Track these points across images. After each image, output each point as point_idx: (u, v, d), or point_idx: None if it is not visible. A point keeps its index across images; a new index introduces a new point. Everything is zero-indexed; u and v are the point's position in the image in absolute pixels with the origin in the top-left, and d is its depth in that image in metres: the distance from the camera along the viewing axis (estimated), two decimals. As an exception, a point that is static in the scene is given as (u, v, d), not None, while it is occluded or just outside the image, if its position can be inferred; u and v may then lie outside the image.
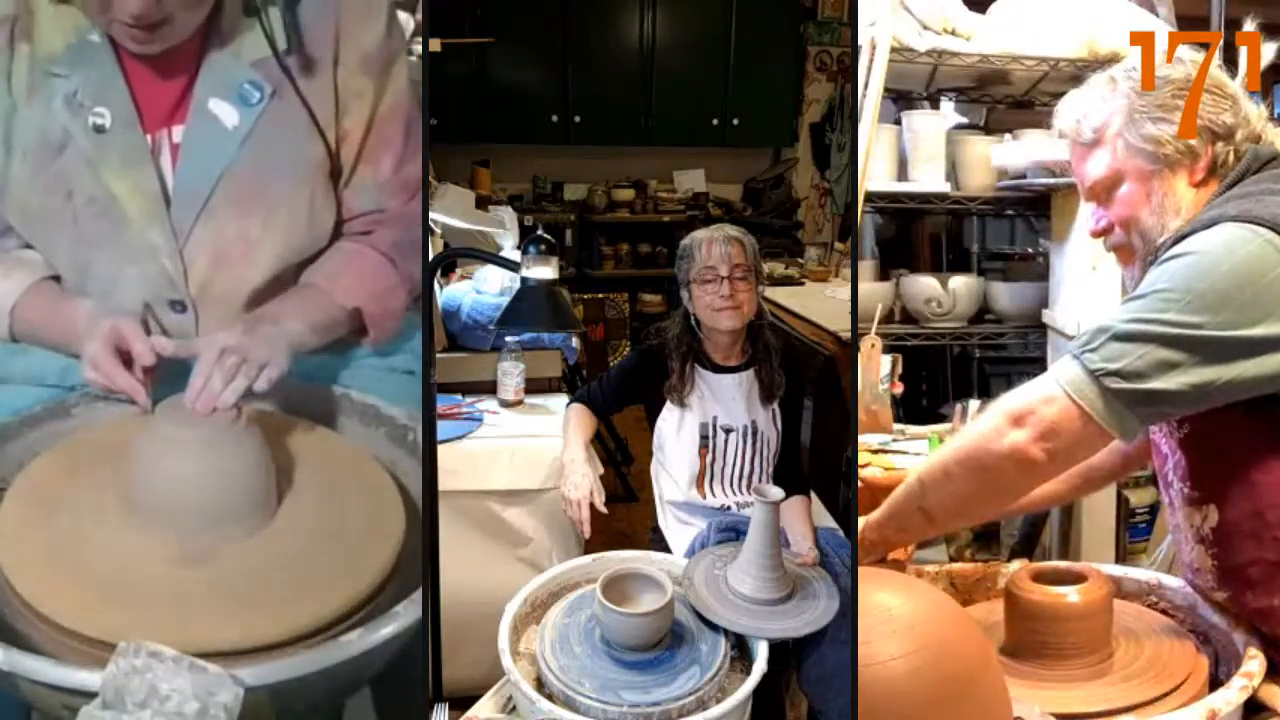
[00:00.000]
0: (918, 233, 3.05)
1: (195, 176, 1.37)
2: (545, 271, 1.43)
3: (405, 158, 1.49)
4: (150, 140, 1.37)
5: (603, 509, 1.72)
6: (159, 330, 1.39)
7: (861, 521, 1.29)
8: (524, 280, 1.43)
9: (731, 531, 1.72)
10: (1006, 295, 2.61)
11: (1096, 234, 1.31)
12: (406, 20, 1.88)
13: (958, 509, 1.24)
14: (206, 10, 1.31)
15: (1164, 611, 1.32)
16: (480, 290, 2.60)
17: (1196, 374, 1.07)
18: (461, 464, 2.16)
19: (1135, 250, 1.27)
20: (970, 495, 1.20)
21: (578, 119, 5.59)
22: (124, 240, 1.37)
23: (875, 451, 2.03)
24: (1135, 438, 1.16)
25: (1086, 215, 1.34)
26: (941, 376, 3.18)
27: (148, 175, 1.36)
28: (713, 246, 1.84)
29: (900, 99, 2.62)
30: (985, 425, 1.15)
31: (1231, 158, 1.23)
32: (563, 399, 2.38)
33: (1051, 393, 1.11)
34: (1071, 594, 1.20)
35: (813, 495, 1.95)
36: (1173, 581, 1.34)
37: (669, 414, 1.89)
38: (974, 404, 2.29)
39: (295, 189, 1.42)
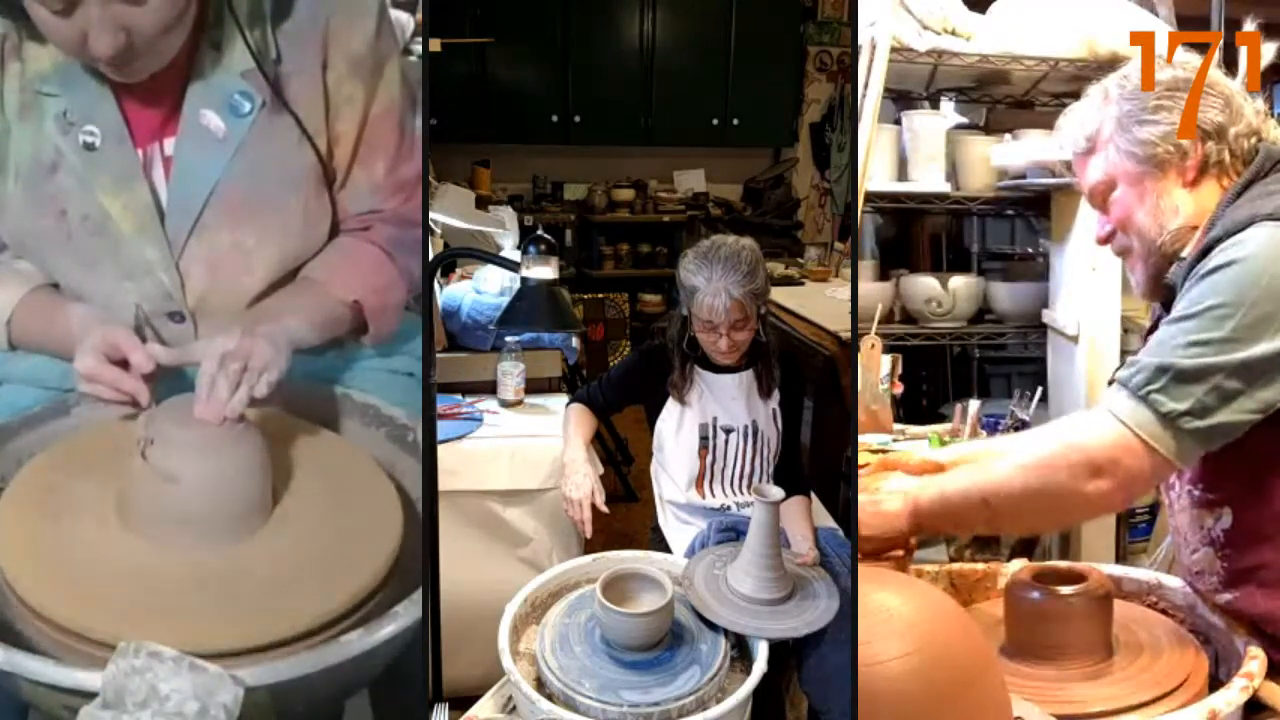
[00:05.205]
0: (918, 233, 3.04)
1: (188, 189, 1.36)
2: (545, 271, 1.43)
3: (400, 159, 1.49)
4: (142, 155, 1.36)
5: (604, 509, 1.72)
6: (158, 342, 1.39)
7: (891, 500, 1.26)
8: (524, 280, 1.43)
9: (731, 531, 1.72)
10: (1006, 295, 2.61)
11: (1102, 241, 1.34)
12: (406, 20, 1.88)
13: (1017, 529, 1.22)
14: (185, 35, 1.30)
15: (1164, 611, 1.32)
16: (480, 290, 2.60)
17: (1259, 399, 1.08)
18: (461, 464, 2.16)
19: (1136, 251, 1.29)
20: (1037, 525, 1.19)
21: (578, 119, 5.59)
22: (120, 256, 1.37)
23: (875, 451, 2.02)
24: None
25: (1094, 224, 1.36)
26: (941, 376, 3.18)
27: (140, 191, 1.35)
28: (715, 302, 1.74)
29: (900, 99, 2.62)
30: (1060, 470, 1.13)
31: (1227, 156, 1.23)
32: (563, 399, 2.38)
33: (1128, 441, 1.11)
34: (1071, 594, 1.20)
35: (813, 495, 1.95)
36: (1173, 581, 1.34)
37: (669, 414, 1.89)
38: (974, 404, 2.29)
39: (289, 196, 1.41)
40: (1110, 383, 1.20)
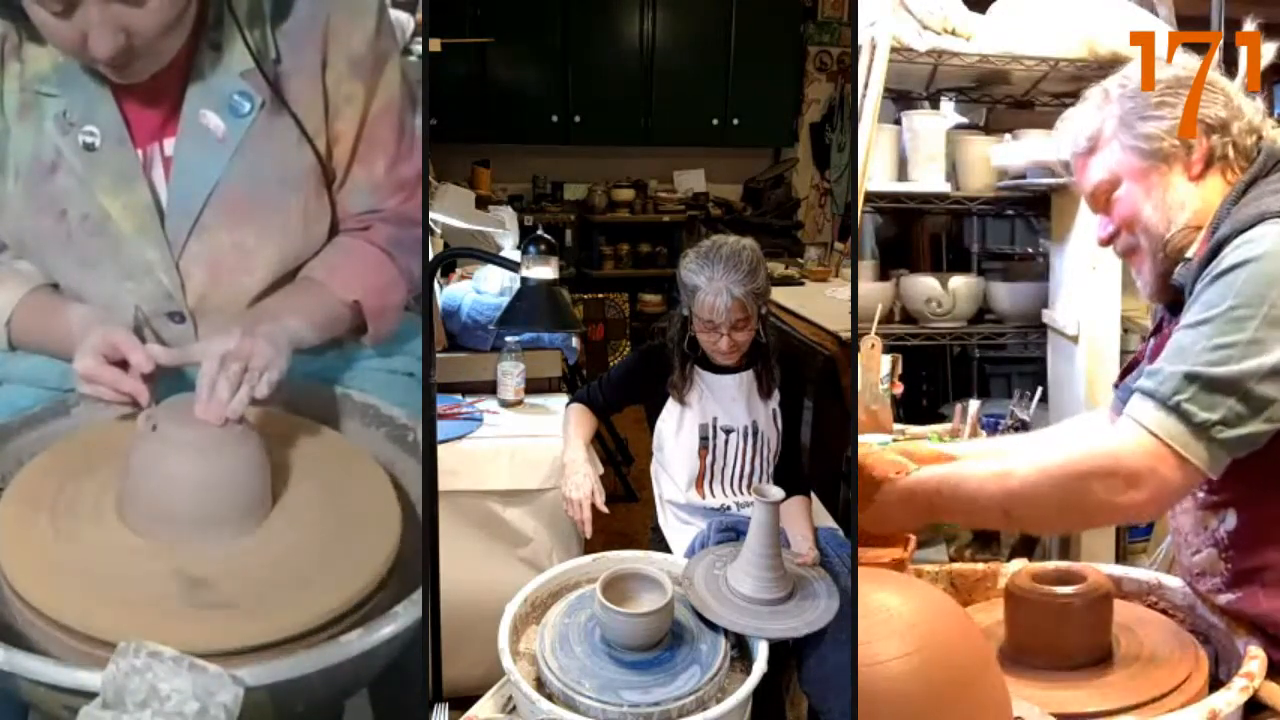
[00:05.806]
0: (918, 233, 3.04)
1: (188, 189, 1.36)
2: (545, 271, 1.43)
3: (399, 158, 1.49)
4: (142, 155, 1.37)
5: (604, 509, 1.72)
6: (158, 342, 1.39)
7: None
8: (524, 280, 1.43)
9: (731, 531, 1.72)
10: (1006, 295, 2.61)
11: (1105, 242, 1.32)
12: (406, 20, 1.88)
13: (1034, 533, 1.21)
14: (184, 35, 1.30)
15: (1164, 611, 1.32)
16: (480, 290, 2.60)
17: None
18: (461, 464, 2.16)
19: (1143, 249, 1.28)
20: (1057, 531, 1.17)
21: (578, 119, 5.59)
22: (120, 256, 1.37)
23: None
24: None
25: (1095, 225, 1.35)
26: (941, 376, 3.18)
27: (140, 191, 1.35)
28: (716, 301, 1.74)
29: (900, 99, 2.61)
30: (1091, 483, 1.11)
31: (1230, 151, 1.23)
32: (563, 399, 2.38)
33: (1161, 451, 1.08)
34: (1071, 594, 1.20)
35: (813, 495, 1.95)
36: (1173, 581, 1.34)
37: (669, 414, 1.89)
38: (974, 404, 2.28)
39: (289, 196, 1.41)
40: (1122, 388, 1.20)
